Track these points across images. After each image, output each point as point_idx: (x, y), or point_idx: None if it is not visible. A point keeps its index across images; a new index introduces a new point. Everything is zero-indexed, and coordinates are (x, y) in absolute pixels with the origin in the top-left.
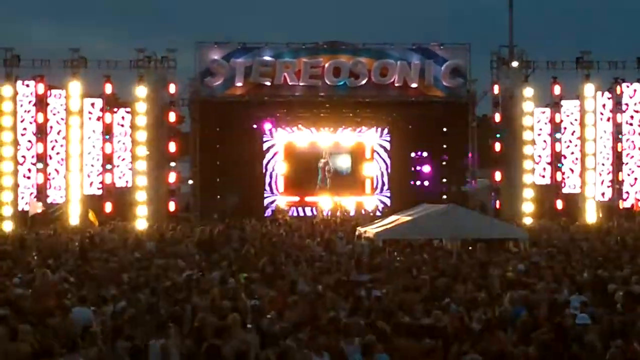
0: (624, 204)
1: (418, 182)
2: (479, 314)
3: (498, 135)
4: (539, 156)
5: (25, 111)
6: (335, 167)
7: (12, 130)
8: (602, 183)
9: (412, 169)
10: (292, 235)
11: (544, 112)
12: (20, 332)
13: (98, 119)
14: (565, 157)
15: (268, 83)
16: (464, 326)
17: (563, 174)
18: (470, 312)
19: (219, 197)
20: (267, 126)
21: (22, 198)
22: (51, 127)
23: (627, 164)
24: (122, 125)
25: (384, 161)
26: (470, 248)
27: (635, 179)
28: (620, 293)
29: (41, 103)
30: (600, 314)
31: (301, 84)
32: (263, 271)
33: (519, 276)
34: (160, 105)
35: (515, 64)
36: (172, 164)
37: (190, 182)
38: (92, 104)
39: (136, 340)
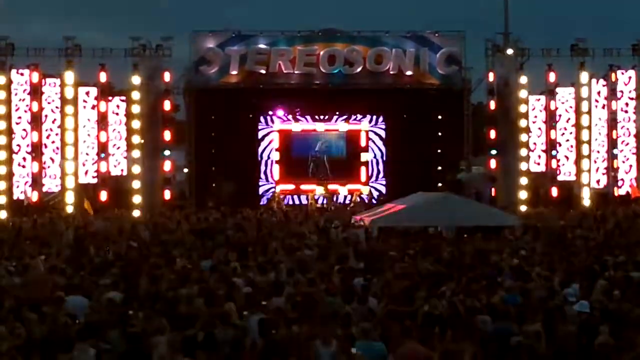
0: (619, 191)
1: (413, 170)
2: (473, 301)
3: None
4: (534, 144)
5: (19, 100)
6: (329, 156)
7: (7, 119)
8: (597, 170)
9: (407, 156)
10: (287, 223)
11: (538, 100)
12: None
13: (93, 107)
14: (560, 145)
15: (263, 71)
16: (458, 314)
17: (558, 161)
18: (465, 300)
19: (214, 185)
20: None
21: (17, 187)
22: (46, 115)
23: (622, 151)
24: (117, 114)
25: (379, 149)
26: (465, 235)
27: (630, 166)
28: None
29: (36, 92)
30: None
31: (296, 71)
32: (257, 259)
33: (515, 263)
34: (155, 93)
35: (510, 51)
36: (167, 152)
37: (186, 170)
38: (87, 93)
39: (134, 328)
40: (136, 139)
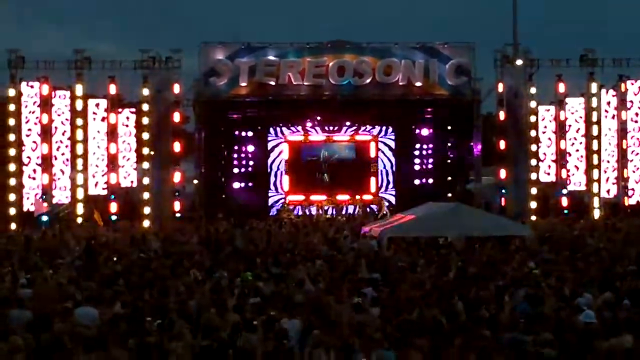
0: (629, 201)
1: (423, 181)
2: (483, 311)
3: None
4: (544, 154)
5: (29, 112)
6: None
7: (17, 131)
8: (607, 180)
9: (417, 167)
10: (297, 234)
11: (548, 110)
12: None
13: (103, 119)
14: (570, 155)
15: (272, 83)
16: (464, 324)
17: (568, 171)
18: (475, 310)
19: (223, 196)
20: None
21: (28, 199)
22: (56, 127)
23: (632, 160)
24: (127, 126)
25: (389, 159)
26: (477, 246)
27: None
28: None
29: (46, 104)
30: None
31: (305, 83)
32: (268, 270)
33: (526, 273)
34: (165, 105)
35: (519, 62)
36: (177, 164)
37: (195, 181)
38: (97, 105)
39: (146, 339)
40: (146, 151)
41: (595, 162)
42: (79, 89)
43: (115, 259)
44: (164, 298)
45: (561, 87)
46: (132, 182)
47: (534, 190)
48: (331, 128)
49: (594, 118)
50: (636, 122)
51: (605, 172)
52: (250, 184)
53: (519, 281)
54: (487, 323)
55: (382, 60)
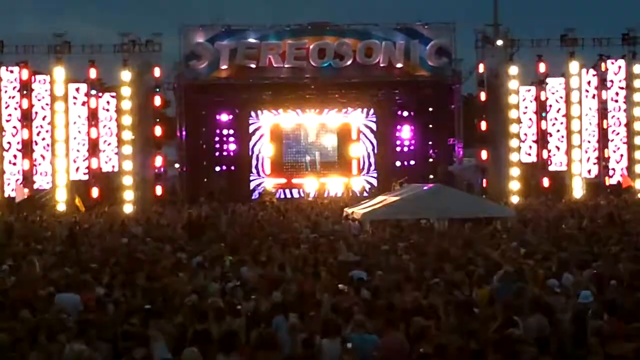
0: (610, 181)
1: (405, 162)
2: (460, 293)
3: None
4: (525, 134)
5: (9, 97)
6: (320, 153)
7: None
8: (587, 160)
9: (398, 149)
10: (278, 217)
11: (529, 90)
12: None
13: (83, 103)
14: (550, 135)
15: (253, 65)
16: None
17: (549, 151)
18: (454, 292)
19: (205, 180)
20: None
21: (8, 184)
22: (36, 112)
23: (612, 140)
24: (108, 110)
25: (370, 142)
26: (460, 224)
27: (621, 155)
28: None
29: (26, 89)
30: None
31: (286, 65)
32: (249, 254)
33: (507, 254)
34: (146, 89)
35: (500, 42)
36: (158, 148)
37: (177, 165)
38: (77, 89)
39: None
40: (127, 135)
41: (576, 142)
42: (59, 74)
43: (96, 245)
44: (147, 282)
45: (542, 67)
46: (113, 166)
47: (515, 171)
48: (312, 110)
49: (575, 98)
50: (616, 101)
51: (586, 152)
52: (232, 168)
53: (501, 262)
54: (467, 306)
55: (363, 42)
